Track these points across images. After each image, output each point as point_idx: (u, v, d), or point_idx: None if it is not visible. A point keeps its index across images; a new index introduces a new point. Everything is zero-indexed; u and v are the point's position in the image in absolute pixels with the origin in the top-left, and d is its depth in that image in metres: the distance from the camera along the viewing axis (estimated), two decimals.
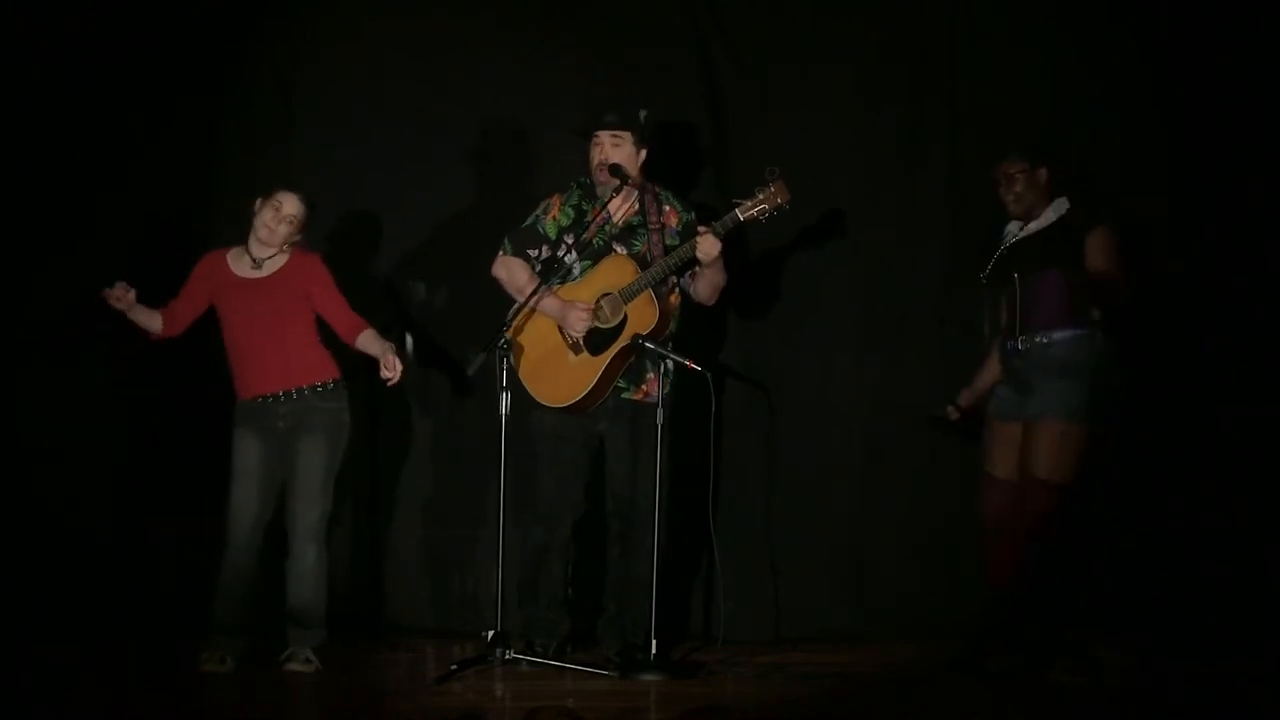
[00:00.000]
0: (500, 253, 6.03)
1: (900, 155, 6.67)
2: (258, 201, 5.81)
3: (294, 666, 5.77)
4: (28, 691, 5.46)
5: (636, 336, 5.78)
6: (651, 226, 5.96)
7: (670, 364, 5.81)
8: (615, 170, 5.86)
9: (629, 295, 5.83)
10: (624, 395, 5.94)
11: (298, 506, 5.80)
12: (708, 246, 5.78)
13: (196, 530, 6.07)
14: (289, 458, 5.80)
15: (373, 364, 5.79)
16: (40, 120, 6.47)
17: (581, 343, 5.88)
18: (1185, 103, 6.45)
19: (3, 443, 6.43)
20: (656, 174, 6.09)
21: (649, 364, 5.92)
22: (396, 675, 5.99)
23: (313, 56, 6.73)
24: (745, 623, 6.45)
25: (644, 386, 5.94)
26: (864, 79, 6.66)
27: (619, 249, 5.95)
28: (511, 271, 6.01)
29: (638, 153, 5.97)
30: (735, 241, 5.92)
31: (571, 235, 5.95)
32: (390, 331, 6.06)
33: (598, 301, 5.87)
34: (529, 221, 6.04)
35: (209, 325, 5.89)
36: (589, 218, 5.92)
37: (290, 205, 5.81)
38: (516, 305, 5.93)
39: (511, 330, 5.78)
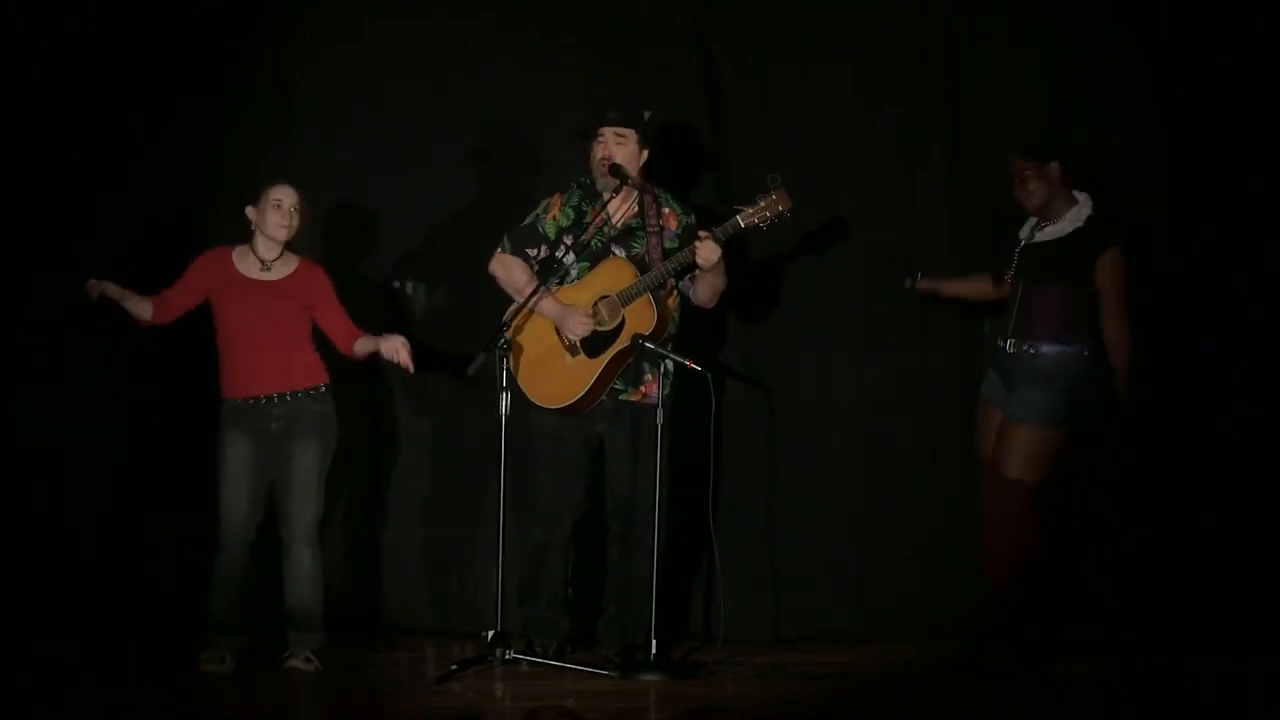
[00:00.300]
0: (499, 250, 6.02)
1: (900, 155, 6.66)
2: (251, 210, 5.82)
3: (295, 663, 5.79)
4: (28, 691, 5.46)
5: (637, 337, 5.77)
6: (650, 229, 5.95)
7: (670, 365, 5.81)
8: (615, 170, 5.85)
9: (627, 299, 5.82)
10: (622, 397, 5.93)
11: (293, 508, 5.80)
12: (707, 252, 5.77)
13: (196, 530, 6.05)
14: (281, 460, 5.81)
15: (372, 365, 5.78)
16: (40, 120, 6.45)
17: (579, 345, 5.88)
18: (1185, 103, 6.45)
19: (2, 443, 6.42)
20: (656, 174, 6.09)
21: (647, 365, 5.92)
22: (396, 675, 5.99)
23: (313, 56, 6.72)
24: (745, 623, 6.44)
25: (642, 388, 5.93)
26: (864, 79, 6.65)
27: (617, 251, 5.94)
28: (509, 270, 6.00)
29: (640, 153, 5.96)
30: (735, 244, 5.91)
31: (571, 236, 5.94)
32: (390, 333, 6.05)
33: (595, 304, 5.87)
34: (529, 220, 6.04)
35: (209, 325, 5.89)
36: (588, 219, 5.92)
37: (288, 196, 5.82)
38: (515, 305, 5.93)
39: (511, 330, 5.78)
